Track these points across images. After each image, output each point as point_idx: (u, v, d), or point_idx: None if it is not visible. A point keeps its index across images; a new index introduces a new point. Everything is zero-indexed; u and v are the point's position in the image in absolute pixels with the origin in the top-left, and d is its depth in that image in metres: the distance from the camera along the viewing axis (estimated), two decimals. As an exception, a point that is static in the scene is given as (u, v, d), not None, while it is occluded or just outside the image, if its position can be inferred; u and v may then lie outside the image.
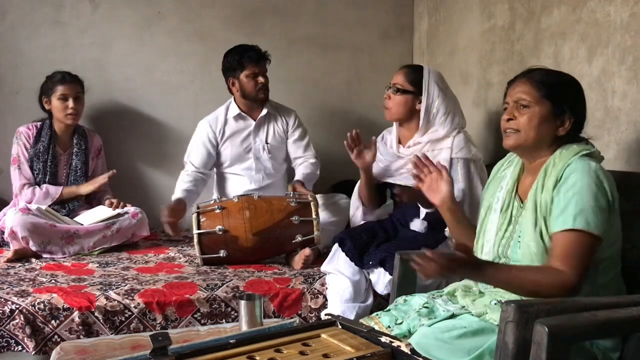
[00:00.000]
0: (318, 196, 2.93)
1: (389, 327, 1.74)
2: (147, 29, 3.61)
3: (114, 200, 3.12)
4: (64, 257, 2.85)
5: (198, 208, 2.76)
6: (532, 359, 1.30)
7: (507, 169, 1.81)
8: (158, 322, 2.26)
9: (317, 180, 3.24)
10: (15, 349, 2.17)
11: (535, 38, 2.73)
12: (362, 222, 2.63)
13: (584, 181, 1.54)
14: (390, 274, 2.22)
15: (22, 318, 2.16)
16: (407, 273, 2.03)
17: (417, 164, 2.02)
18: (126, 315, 2.24)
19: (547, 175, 1.61)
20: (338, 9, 3.85)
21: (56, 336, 2.18)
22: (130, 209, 3.11)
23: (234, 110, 3.20)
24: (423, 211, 2.45)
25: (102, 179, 3.17)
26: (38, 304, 2.19)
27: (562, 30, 2.54)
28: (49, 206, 3.05)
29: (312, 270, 2.62)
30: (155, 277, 2.51)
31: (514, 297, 1.55)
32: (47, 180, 3.15)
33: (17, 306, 2.18)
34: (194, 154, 3.17)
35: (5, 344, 2.16)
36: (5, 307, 2.17)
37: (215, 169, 3.27)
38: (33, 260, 2.79)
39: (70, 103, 3.13)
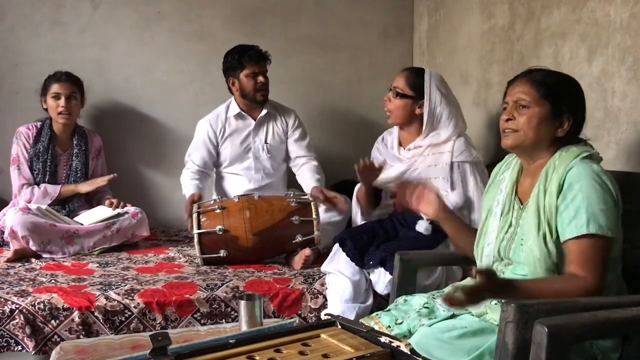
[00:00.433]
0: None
1: (389, 327, 1.74)
2: (147, 29, 3.61)
3: (114, 200, 3.12)
4: (64, 257, 2.85)
5: (198, 208, 2.76)
6: (532, 359, 1.30)
7: (506, 172, 1.81)
8: (158, 322, 2.26)
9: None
10: (15, 349, 2.17)
11: (535, 38, 2.73)
12: (362, 222, 2.64)
13: (589, 185, 1.54)
14: (391, 274, 2.21)
15: (22, 318, 2.16)
16: (407, 273, 2.03)
17: (397, 191, 2.01)
18: (126, 315, 2.24)
19: (549, 179, 1.61)
20: (338, 9, 3.85)
21: (56, 336, 2.18)
22: (130, 209, 3.11)
23: (234, 109, 3.20)
24: None
25: (101, 181, 3.16)
26: (38, 303, 2.19)
27: (562, 31, 2.55)
28: (49, 206, 3.05)
29: (312, 270, 2.62)
30: (155, 277, 2.51)
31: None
32: (46, 180, 3.14)
33: (17, 306, 2.18)
34: (195, 153, 3.18)
35: (5, 344, 2.16)
36: (5, 307, 2.17)
37: (214, 168, 3.27)
38: (33, 260, 2.79)
39: (62, 102, 3.11)
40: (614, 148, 2.26)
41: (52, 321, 2.18)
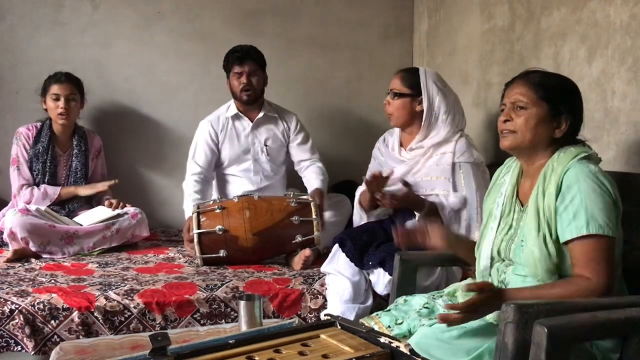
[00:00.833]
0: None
1: (389, 327, 1.74)
2: (147, 29, 3.61)
3: (114, 201, 3.12)
4: (64, 258, 2.85)
5: (198, 208, 2.76)
6: (532, 360, 1.31)
7: (506, 175, 1.81)
8: (157, 322, 2.26)
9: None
10: (15, 349, 2.17)
11: (535, 39, 2.73)
12: (362, 222, 2.63)
13: (587, 186, 1.55)
14: (390, 274, 2.22)
15: (21, 318, 2.16)
16: (407, 273, 2.03)
17: (400, 241, 1.94)
18: (126, 315, 2.24)
19: (547, 180, 1.61)
20: (338, 9, 3.85)
21: (56, 336, 2.18)
22: (129, 209, 3.11)
23: (233, 110, 3.20)
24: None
25: (101, 186, 3.17)
26: (37, 304, 2.19)
27: (562, 31, 2.55)
28: (48, 207, 3.05)
29: (312, 270, 2.62)
30: (155, 277, 2.51)
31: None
32: (46, 181, 3.14)
33: (17, 306, 2.18)
34: (198, 154, 3.17)
35: (5, 344, 2.16)
36: (5, 307, 2.17)
37: (215, 170, 3.27)
38: (33, 260, 2.79)
39: (61, 103, 3.11)
40: (614, 149, 2.26)
41: (52, 321, 2.18)
